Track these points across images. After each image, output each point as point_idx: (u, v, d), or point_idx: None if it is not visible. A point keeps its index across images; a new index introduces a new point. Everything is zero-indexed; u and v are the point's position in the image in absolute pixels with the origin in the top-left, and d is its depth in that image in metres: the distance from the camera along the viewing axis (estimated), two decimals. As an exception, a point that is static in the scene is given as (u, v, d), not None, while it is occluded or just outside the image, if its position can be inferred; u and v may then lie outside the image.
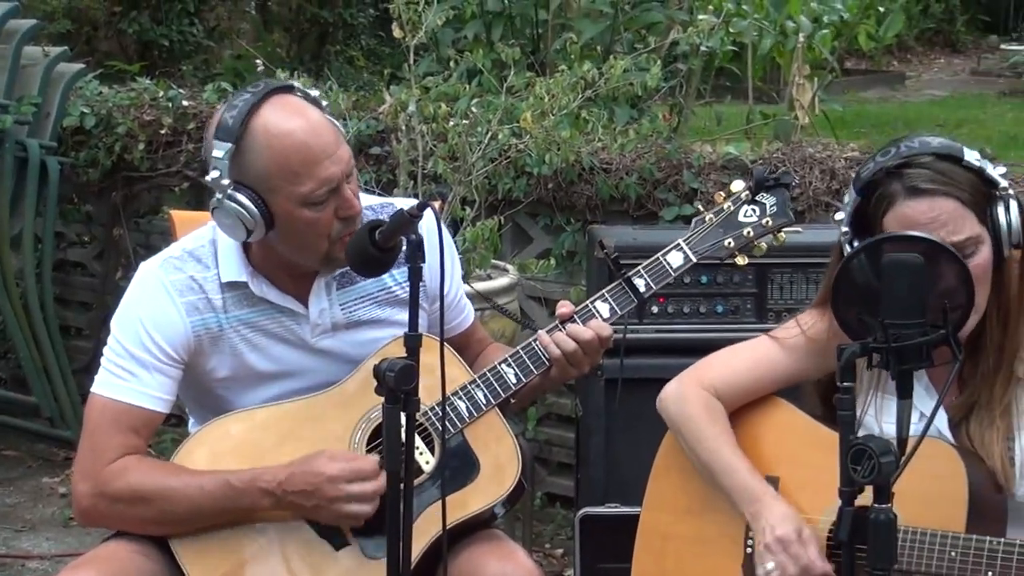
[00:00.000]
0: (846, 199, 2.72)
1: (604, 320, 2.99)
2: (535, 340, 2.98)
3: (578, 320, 2.96)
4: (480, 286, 4.26)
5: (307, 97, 2.90)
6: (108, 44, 10.09)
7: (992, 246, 2.61)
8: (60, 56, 5.82)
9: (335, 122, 2.92)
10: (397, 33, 4.49)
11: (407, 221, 2.66)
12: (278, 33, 10.81)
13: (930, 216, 2.57)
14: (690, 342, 3.78)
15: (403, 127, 4.48)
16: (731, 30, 5.07)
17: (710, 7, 4.96)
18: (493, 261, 4.46)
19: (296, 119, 2.82)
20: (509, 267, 4.51)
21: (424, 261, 2.66)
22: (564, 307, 3.00)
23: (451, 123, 4.44)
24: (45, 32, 9.22)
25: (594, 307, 2.99)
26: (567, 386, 4.25)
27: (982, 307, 2.61)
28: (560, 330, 2.95)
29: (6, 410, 5.85)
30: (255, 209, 2.80)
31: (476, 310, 3.68)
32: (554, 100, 4.38)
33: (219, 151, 2.80)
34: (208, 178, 2.82)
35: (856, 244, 2.65)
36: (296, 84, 2.93)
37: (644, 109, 5.14)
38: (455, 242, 4.27)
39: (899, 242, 2.41)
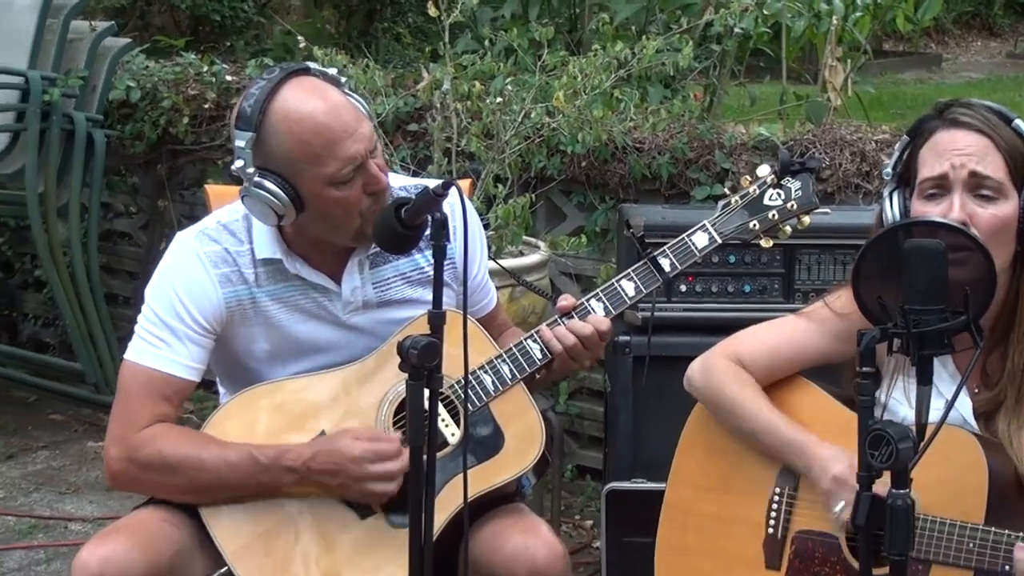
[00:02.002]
0: (896, 145, 2.69)
1: (629, 298, 2.96)
2: (561, 317, 2.94)
3: (575, 315, 2.93)
4: (512, 262, 4.22)
5: (325, 76, 2.85)
6: (161, 19, 10.05)
7: (1019, 223, 2.55)
8: (107, 31, 5.81)
9: (356, 99, 2.87)
10: (432, 11, 4.44)
11: (432, 199, 2.63)
12: (327, 10, 10.74)
13: (960, 143, 2.54)
14: (717, 321, 3.74)
15: (438, 105, 4.44)
16: (765, 12, 5.00)
17: (743, -13, 4.87)
18: (525, 238, 4.41)
19: (314, 100, 2.78)
20: (541, 244, 4.46)
21: (449, 240, 2.63)
22: (565, 300, 2.96)
23: (486, 101, 4.38)
24: (101, 6, 9.26)
25: (619, 285, 2.96)
26: (599, 361, 4.22)
27: (999, 267, 2.48)
28: (560, 324, 2.92)
29: (53, 376, 5.85)
30: (283, 194, 2.77)
31: (505, 287, 3.66)
32: (587, 79, 4.32)
33: (241, 140, 2.77)
34: (234, 168, 2.79)
35: (894, 194, 2.64)
36: (313, 65, 2.88)
37: (678, 89, 5.07)
38: (487, 219, 4.23)
39: (922, 227, 2.36)
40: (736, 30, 4.92)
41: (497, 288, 3.33)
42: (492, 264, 3.34)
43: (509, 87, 4.59)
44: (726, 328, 3.05)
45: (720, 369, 2.83)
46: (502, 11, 5.49)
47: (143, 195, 6.17)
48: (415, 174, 4.65)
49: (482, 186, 4.30)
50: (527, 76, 4.67)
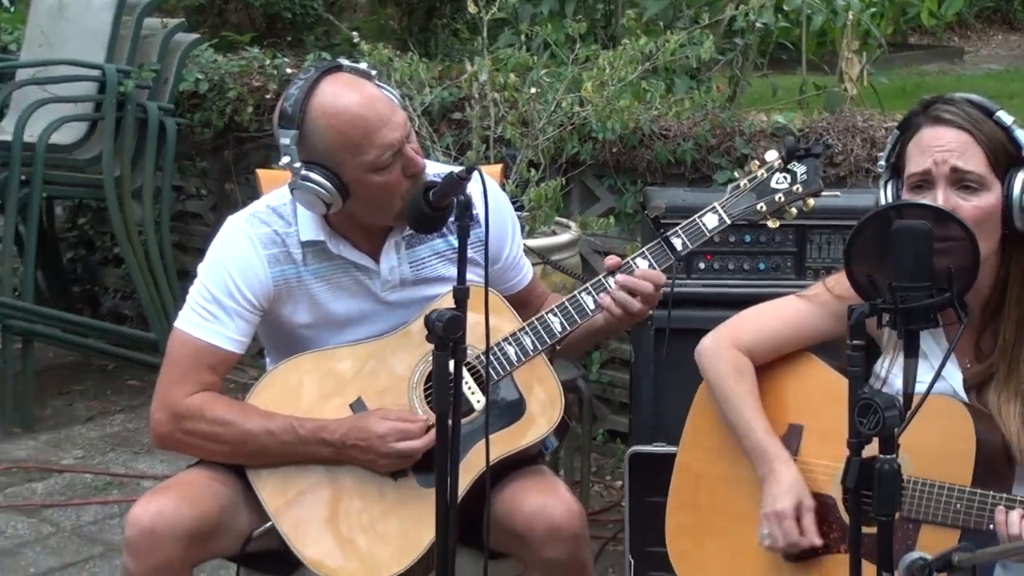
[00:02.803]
0: (888, 139, 2.67)
1: None
2: (580, 292, 2.93)
3: (648, 258, 2.92)
4: (544, 241, 4.22)
5: (356, 71, 2.85)
6: (237, 16, 10.11)
7: (1003, 211, 2.51)
8: (177, 27, 5.84)
9: (388, 90, 2.88)
10: (472, 8, 4.43)
11: (456, 183, 2.66)
12: (391, 7, 10.76)
13: (942, 140, 2.51)
14: (733, 296, 3.71)
15: (476, 95, 4.42)
16: (786, 8, 4.96)
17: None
18: (557, 219, 4.40)
19: (349, 95, 2.79)
20: (572, 224, 4.45)
21: (472, 220, 2.64)
22: (611, 259, 2.94)
23: (521, 91, 4.37)
24: (182, 4, 9.30)
25: (634, 263, 2.94)
26: (627, 332, 4.21)
27: (985, 254, 2.48)
28: (608, 282, 2.90)
29: (130, 345, 5.89)
30: (329, 184, 2.79)
31: (536, 264, 3.65)
32: (614, 72, 4.30)
33: (285, 139, 2.79)
34: (281, 164, 2.81)
35: (888, 183, 2.62)
36: (344, 62, 2.88)
37: (703, 80, 5.03)
38: (521, 201, 4.22)
39: (910, 210, 2.33)
40: (757, 25, 4.88)
41: (541, 263, 3.32)
42: (525, 242, 3.34)
43: (545, 79, 4.57)
44: (742, 303, 3.03)
45: (725, 358, 2.82)
46: (541, 8, 5.45)
47: (212, 178, 6.19)
48: (456, 160, 4.65)
49: (517, 170, 4.29)
50: (561, 69, 4.65)
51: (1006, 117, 2.54)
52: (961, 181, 2.49)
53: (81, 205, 6.53)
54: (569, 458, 4.38)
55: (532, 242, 4.15)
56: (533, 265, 3.29)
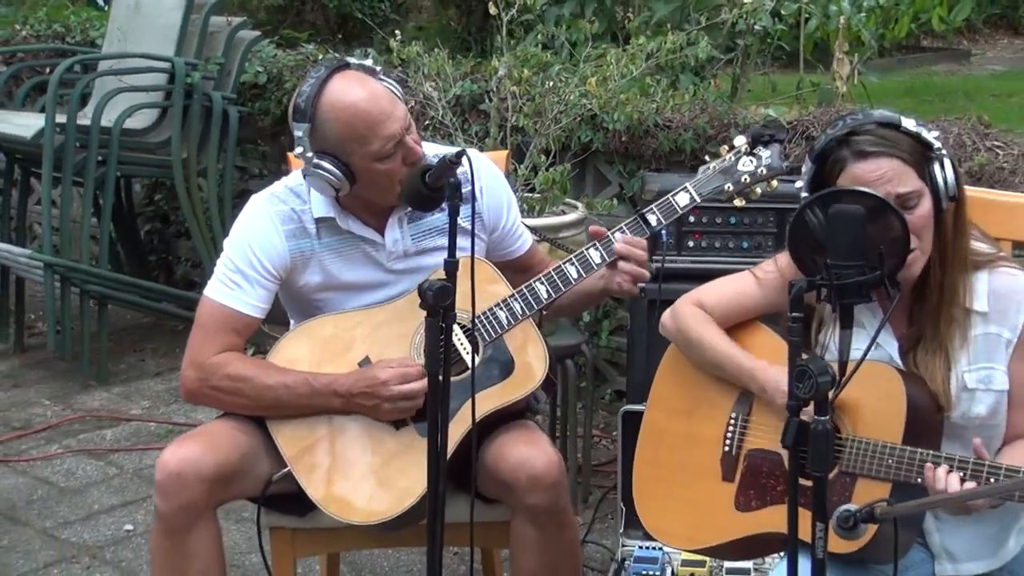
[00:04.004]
0: (803, 169, 2.59)
1: None
2: (564, 263, 2.92)
3: (625, 231, 2.93)
4: (552, 220, 4.21)
5: (363, 68, 2.87)
6: (314, 16, 10.14)
7: (932, 199, 2.49)
8: (241, 25, 5.87)
9: (392, 85, 2.89)
10: (492, 10, 4.42)
11: (448, 166, 2.66)
12: (452, 9, 10.76)
13: (878, 174, 2.45)
14: (719, 271, 3.55)
15: (494, 88, 4.42)
16: (783, 12, 4.92)
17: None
18: (567, 200, 4.40)
19: (355, 91, 2.81)
20: (579, 205, 4.44)
21: (462, 200, 2.64)
22: (595, 228, 2.98)
23: (536, 86, 4.36)
24: (264, 4, 9.34)
25: (613, 236, 2.94)
26: (617, 302, 4.39)
27: (928, 252, 2.50)
28: (590, 253, 2.91)
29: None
30: (338, 171, 2.82)
31: (541, 242, 3.64)
32: (619, 68, 4.28)
33: (299, 131, 2.82)
34: (295, 153, 2.85)
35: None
36: (351, 60, 2.89)
37: (706, 77, 5.00)
38: (533, 184, 4.22)
39: (847, 195, 2.31)
40: (756, 27, 4.83)
41: (538, 241, 3.32)
42: (527, 222, 3.34)
43: (562, 75, 4.57)
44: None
45: (687, 313, 2.79)
46: (563, 10, 5.44)
47: (271, 160, 6.22)
48: (479, 144, 4.64)
49: (530, 157, 4.29)
50: (577, 66, 4.64)
51: (910, 124, 2.50)
52: (905, 203, 2.45)
53: (157, 183, 6.58)
54: (574, 414, 4.38)
55: (542, 220, 4.15)
56: (539, 243, 3.29)
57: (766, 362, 2.66)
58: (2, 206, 6.01)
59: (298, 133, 2.82)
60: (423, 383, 2.78)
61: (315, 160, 2.82)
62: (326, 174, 2.82)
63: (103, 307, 5.60)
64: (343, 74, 2.84)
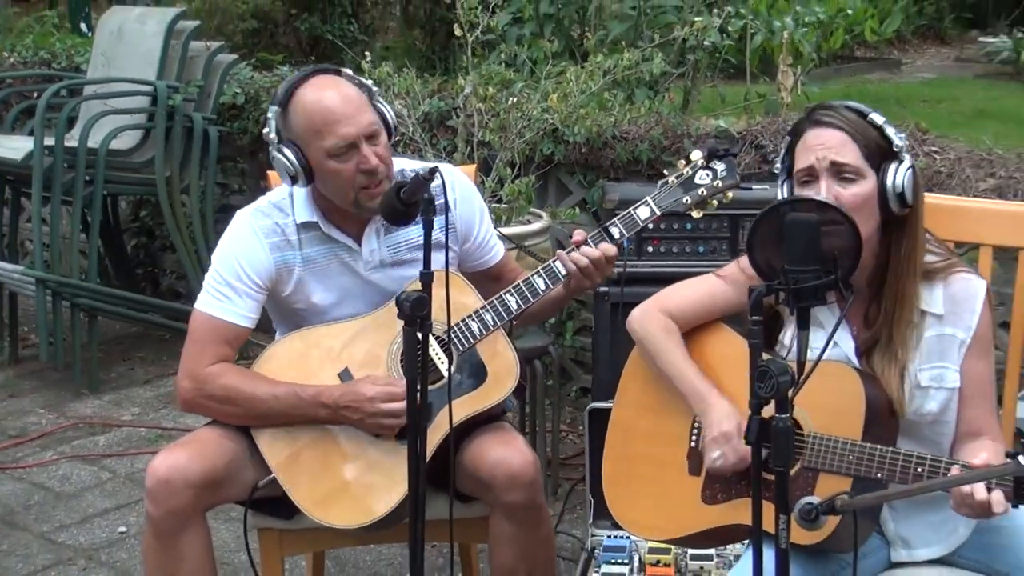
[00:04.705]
0: (783, 145, 2.61)
1: None
2: (533, 275, 2.88)
3: (591, 243, 2.87)
4: (519, 229, 4.16)
5: (350, 78, 2.85)
6: (286, 39, 10.04)
7: (879, 197, 2.46)
8: (219, 49, 5.79)
9: (373, 97, 2.87)
10: (458, 32, 4.37)
11: (421, 182, 2.59)
12: (416, 29, 10.70)
13: (822, 139, 2.46)
14: (677, 275, 3.53)
15: (461, 105, 4.37)
16: (730, 29, 4.89)
17: (715, 10, 4.76)
18: (532, 209, 4.35)
19: (328, 91, 2.79)
20: (543, 214, 4.39)
21: (436, 214, 2.58)
22: (579, 235, 2.91)
23: (501, 103, 4.31)
24: (240, 29, 9.24)
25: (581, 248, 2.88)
26: (581, 302, 4.21)
27: (866, 236, 2.41)
28: (576, 250, 2.87)
29: (183, 318, 5.83)
30: (295, 160, 2.79)
31: (512, 249, 3.59)
32: (578, 84, 4.24)
33: (271, 113, 2.81)
34: (264, 132, 2.84)
35: (784, 183, 2.59)
36: (345, 70, 2.87)
37: (659, 91, 4.96)
38: (500, 195, 4.17)
39: (800, 203, 2.28)
40: (705, 43, 4.80)
41: (508, 249, 3.28)
42: (498, 231, 3.29)
43: (524, 91, 4.52)
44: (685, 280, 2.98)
45: (653, 320, 2.75)
46: (524, 30, 5.38)
47: (250, 177, 6.15)
48: (448, 158, 4.59)
49: (496, 169, 4.24)
50: (538, 82, 4.60)
51: (878, 118, 2.49)
52: (840, 173, 2.44)
53: (142, 200, 6.50)
54: (542, 411, 4.34)
55: (509, 230, 4.10)
56: (509, 250, 3.24)
57: (717, 393, 2.62)
58: (-7, 225, 5.92)
59: (270, 115, 2.82)
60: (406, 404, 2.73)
61: (278, 144, 2.81)
62: (285, 160, 2.79)
63: (93, 319, 5.50)
64: (328, 76, 2.82)
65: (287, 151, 2.79)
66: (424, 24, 10.39)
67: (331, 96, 2.78)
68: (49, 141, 5.23)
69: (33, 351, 5.88)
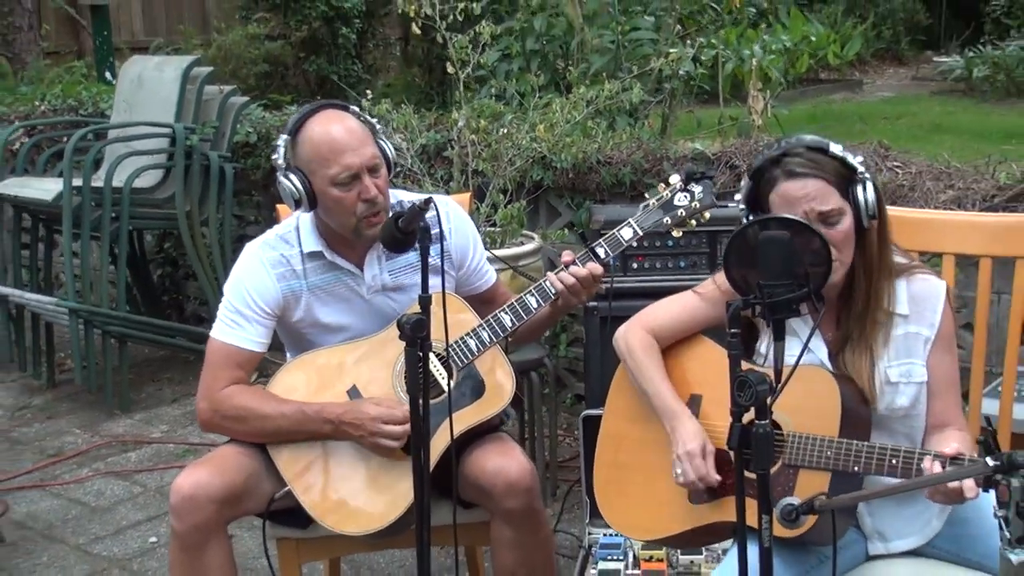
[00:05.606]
0: (742, 184, 2.52)
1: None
2: (526, 294, 2.83)
3: (578, 263, 2.82)
4: (512, 250, 4.12)
5: (359, 117, 2.81)
6: (296, 79, 10.02)
7: (853, 217, 2.41)
8: (231, 92, 5.74)
9: (377, 136, 2.82)
10: (451, 69, 4.32)
11: (417, 212, 2.55)
12: (416, 68, 10.67)
13: (804, 192, 2.38)
14: (661, 289, 3.53)
15: (455, 136, 4.32)
16: (703, 58, 4.85)
17: (688, 41, 4.71)
18: (524, 232, 4.30)
19: (335, 124, 2.75)
20: (535, 236, 4.34)
21: (431, 242, 2.54)
22: (567, 256, 2.86)
23: (492, 134, 4.26)
24: (253, 72, 9.20)
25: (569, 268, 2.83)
26: (571, 316, 4.14)
27: (848, 263, 2.43)
28: (565, 270, 2.82)
29: (206, 343, 5.80)
30: (300, 186, 2.75)
31: (505, 270, 3.54)
32: (563, 114, 4.19)
33: (280, 141, 2.77)
34: (273, 157, 2.80)
35: (750, 218, 2.47)
36: (353, 107, 2.83)
37: (639, 118, 4.92)
38: (494, 219, 4.12)
39: (775, 222, 2.23)
40: (680, 72, 4.76)
41: (500, 271, 3.23)
42: (491, 253, 3.24)
43: (514, 123, 4.48)
44: (667, 294, 2.88)
45: (635, 338, 2.70)
46: (512, 66, 5.34)
47: (265, 208, 6.09)
48: (445, 187, 4.55)
49: (490, 196, 4.19)
50: (526, 114, 4.55)
51: (836, 149, 2.43)
52: (826, 219, 2.38)
53: (165, 233, 6.44)
54: (540, 418, 4.28)
55: (503, 251, 4.05)
56: (502, 271, 3.19)
57: (688, 414, 2.58)
58: (30, 259, 5.87)
59: (280, 143, 2.78)
60: (405, 427, 2.69)
61: (285, 170, 2.76)
62: (291, 185, 2.75)
63: (123, 344, 5.45)
64: (335, 111, 2.78)
65: (293, 177, 2.75)
66: (422, 62, 10.37)
67: (338, 129, 2.73)
68: (77, 182, 5.19)
69: (68, 376, 5.83)
